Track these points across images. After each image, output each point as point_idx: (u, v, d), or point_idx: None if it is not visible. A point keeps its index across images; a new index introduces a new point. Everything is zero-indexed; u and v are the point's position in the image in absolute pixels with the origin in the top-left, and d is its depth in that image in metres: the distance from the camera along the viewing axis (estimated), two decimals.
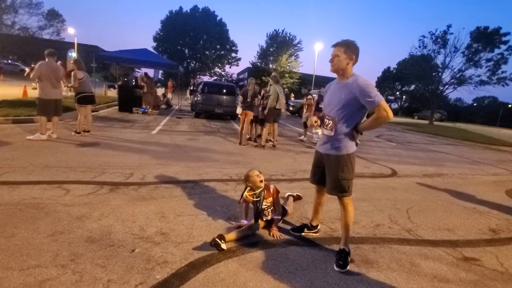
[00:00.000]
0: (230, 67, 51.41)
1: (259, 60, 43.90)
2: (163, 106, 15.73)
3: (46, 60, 5.57)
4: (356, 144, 2.31)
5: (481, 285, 2.16)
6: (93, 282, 1.78)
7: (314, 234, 2.70)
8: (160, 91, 17.47)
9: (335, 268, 2.18)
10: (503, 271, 2.40)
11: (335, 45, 2.24)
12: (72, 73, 6.23)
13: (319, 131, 2.36)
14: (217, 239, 2.25)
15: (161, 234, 2.43)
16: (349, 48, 2.19)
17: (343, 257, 2.23)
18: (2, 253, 1.98)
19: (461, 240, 2.92)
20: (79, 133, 6.27)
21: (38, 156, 4.37)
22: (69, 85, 6.30)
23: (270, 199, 2.70)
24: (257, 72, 38.61)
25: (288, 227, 2.80)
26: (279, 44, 41.59)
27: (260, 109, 7.36)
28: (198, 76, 47.67)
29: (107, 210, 2.78)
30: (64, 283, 1.76)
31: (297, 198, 3.50)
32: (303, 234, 2.68)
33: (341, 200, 2.32)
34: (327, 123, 2.30)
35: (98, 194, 3.16)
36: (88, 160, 4.41)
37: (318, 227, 2.75)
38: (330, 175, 2.32)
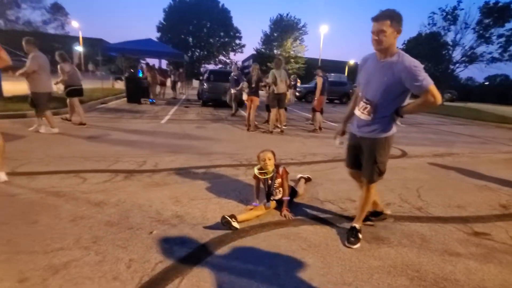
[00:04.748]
0: (234, 55, 51.04)
1: (263, 46, 43.27)
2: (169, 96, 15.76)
3: (37, 51, 5.15)
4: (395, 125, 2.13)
5: (490, 258, 2.19)
6: (116, 262, 1.88)
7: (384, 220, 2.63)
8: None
9: (346, 244, 2.24)
10: None
11: (377, 19, 1.89)
12: (59, 66, 6.01)
13: (337, 141, 2.45)
14: (227, 217, 2.32)
15: (177, 217, 2.52)
16: (394, 20, 1.86)
17: (354, 234, 2.28)
18: (26, 238, 2.09)
19: (471, 216, 2.93)
20: (83, 123, 6.29)
21: (52, 148, 4.50)
22: (58, 80, 6.08)
23: (279, 180, 2.77)
24: (262, 58, 38.12)
25: (300, 208, 2.86)
26: (284, 29, 40.79)
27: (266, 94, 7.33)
28: (203, 65, 47.35)
29: (123, 196, 2.88)
30: (88, 263, 1.86)
31: (307, 180, 3.55)
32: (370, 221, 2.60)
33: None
34: (364, 106, 2.09)
35: (114, 182, 3.26)
36: (101, 150, 4.52)
37: (384, 212, 2.65)
38: (367, 159, 2.18)
